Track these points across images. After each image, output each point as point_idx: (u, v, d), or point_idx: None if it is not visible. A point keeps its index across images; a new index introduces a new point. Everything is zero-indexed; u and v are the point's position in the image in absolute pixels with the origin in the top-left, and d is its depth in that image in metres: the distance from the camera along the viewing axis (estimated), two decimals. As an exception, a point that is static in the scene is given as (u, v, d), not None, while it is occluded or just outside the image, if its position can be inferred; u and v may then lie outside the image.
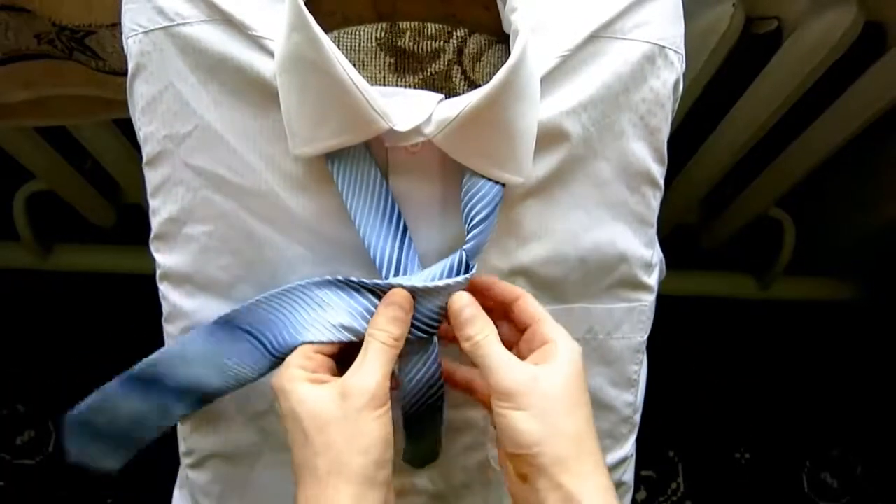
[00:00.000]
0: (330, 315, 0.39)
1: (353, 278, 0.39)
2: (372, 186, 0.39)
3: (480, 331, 0.37)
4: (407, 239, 0.39)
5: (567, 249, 0.43)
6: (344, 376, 0.36)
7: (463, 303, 0.38)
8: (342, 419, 0.35)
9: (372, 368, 0.36)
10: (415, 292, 0.38)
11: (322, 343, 0.39)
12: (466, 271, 0.38)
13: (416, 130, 0.37)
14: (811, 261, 1.10)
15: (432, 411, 0.42)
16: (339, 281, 0.39)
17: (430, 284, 0.38)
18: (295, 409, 0.36)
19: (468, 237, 0.38)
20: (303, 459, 0.36)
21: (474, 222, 0.38)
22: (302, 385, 0.36)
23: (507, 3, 0.38)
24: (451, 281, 0.38)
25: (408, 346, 0.39)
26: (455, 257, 0.38)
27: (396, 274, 0.39)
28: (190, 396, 0.42)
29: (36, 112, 0.67)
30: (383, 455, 0.35)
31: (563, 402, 0.37)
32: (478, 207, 0.38)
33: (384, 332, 0.37)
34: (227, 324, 0.40)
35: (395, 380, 0.40)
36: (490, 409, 0.38)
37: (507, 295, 0.40)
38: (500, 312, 0.40)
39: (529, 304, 0.40)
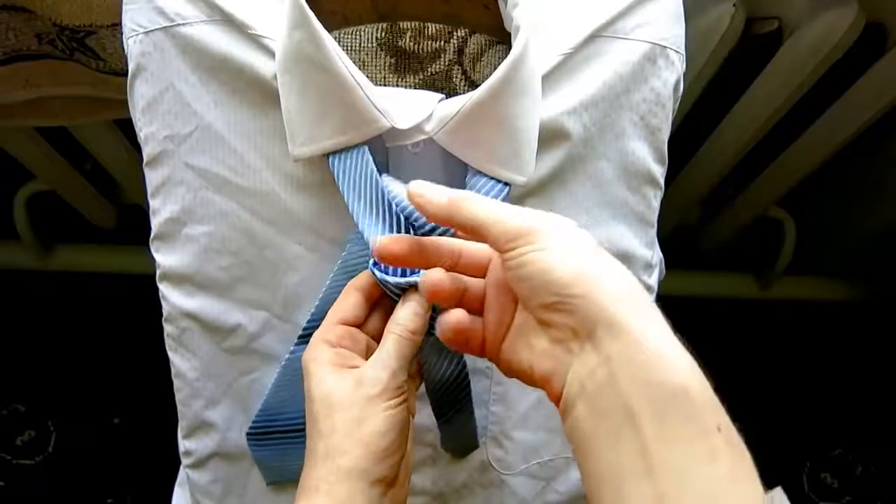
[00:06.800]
0: None
1: (379, 275, 0.37)
2: (372, 189, 0.38)
3: (454, 192, 0.33)
4: None
5: (567, 249, 0.42)
6: (362, 366, 0.36)
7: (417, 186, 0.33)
8: (349, 405, 0.35)
9: (387, 360, 0.36)
10: None
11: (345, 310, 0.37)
12: None
13: (418, 128, 0.37)
14: (811, 261, 1.10)
15: (460, 393, 0.42)
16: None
17: None
18: (312, 390, 0.36)
19: None
20: (310, 443, 0.35)
21: None
22: (323, 367, 0.36)
23: (508, 0, 0.38)
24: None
25: (433, 346, 0.39)
26: None
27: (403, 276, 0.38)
28: None
29: (36, 112, 0.67)
30: (384, 449, 0.34)
31: (587, 241, 0.31)
32: None
33: (401, 325, 0.37)
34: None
35: (419, 376, 0.40)
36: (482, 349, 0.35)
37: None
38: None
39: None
